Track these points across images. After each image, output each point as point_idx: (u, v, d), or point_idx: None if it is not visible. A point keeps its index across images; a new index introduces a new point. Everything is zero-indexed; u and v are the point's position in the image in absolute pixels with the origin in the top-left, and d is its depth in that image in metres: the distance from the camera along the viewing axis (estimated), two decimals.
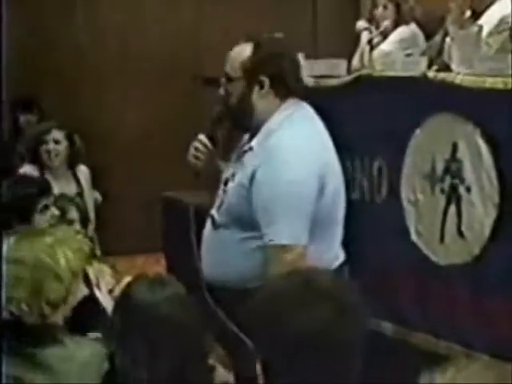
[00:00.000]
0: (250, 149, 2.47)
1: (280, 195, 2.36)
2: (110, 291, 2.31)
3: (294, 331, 1.47)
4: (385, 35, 4.28)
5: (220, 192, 2.57)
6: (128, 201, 6.12)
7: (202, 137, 2.65)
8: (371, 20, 4.55)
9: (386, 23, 4.30)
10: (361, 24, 4.47)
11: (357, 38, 4.40)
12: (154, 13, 6.30)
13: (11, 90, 5.71)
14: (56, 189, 3.91)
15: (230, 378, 3.39)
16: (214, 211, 2.57)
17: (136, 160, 6.24)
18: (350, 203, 3.25)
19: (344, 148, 3.29)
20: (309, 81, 3.41)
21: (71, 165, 4.48)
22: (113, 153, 6.17)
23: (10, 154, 5.14)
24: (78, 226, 4.10)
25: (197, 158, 2.66)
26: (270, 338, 1.50)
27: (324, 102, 3.33)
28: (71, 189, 4.37)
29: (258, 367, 1.55)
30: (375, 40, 4.24)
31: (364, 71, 3.31)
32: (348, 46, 4.46)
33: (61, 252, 2.04)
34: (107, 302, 2.25)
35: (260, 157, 2.42)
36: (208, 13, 6.34)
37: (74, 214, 4.18)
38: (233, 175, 2.51)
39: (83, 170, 4.58)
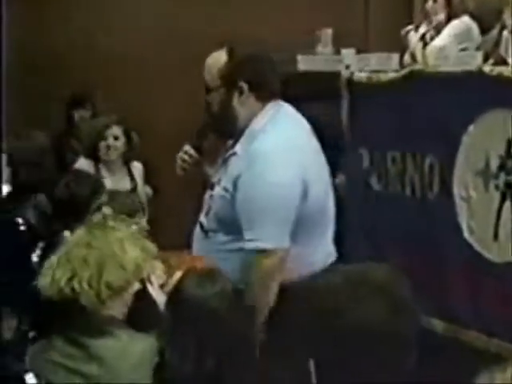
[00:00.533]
0: (234, 154, 2.45)
1: (262, 199, 2.34)
2: (162, 286, 2.33)
3: (347, 327, 1.46)
4: (438, 30, 4.21)
5: (207, 197, 2.58)
6: (177, 196, 6.16)
7: (187, 148, 2.67)
8: (425, 15, 4.49)
9: (439, 17, 4.24)
10: (404, 30, 4.42)
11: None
12: (204, 10, 6.32)
13: (65, 87, 5.79)
14: (111, 184, 3.94)
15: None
16: (202, 217, 2.58)
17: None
18: (401, 199, 3.23)
19: (394, 144, 3.28)
20: (361, 76, 3.40)
21: (126, 160, 4.52)
22: (162, 148, 6.20)
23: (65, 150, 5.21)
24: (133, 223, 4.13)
25: (184, 169, 2.69)
26: (323, 334, 1.49)
27: (375, 97, 3.32)
28: (125, 184, 4.41)
29: (311, 365, 1.55)
30: (428, 35, 4.18)
31: (416, 67, 3.28)
32: (400, 40, 4.41)
33: (129, 246, 2.10)
34: (159, 297, 2.28)
35: (244, 161, 2.40)
36: (260, 9, 6.33)
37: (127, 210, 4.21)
38: (219, 180, 2.49)
39: (137, 166, 4.62)
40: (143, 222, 4.41)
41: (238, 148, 2.44)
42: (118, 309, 2.08)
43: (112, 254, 2.07)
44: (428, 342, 1.86)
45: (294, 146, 2.40)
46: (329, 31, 3.48)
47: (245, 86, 2.41)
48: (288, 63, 3.98)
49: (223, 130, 2.53)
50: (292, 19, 5.96)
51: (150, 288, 2.27)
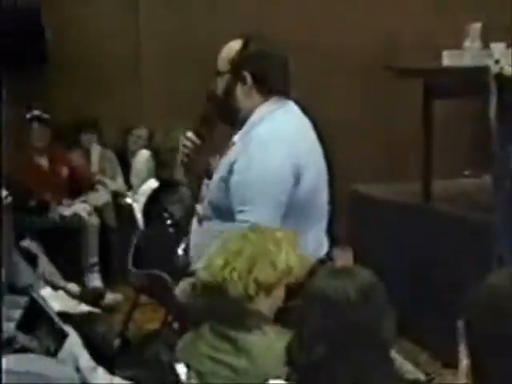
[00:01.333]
0: (233, 144, 2.54)
1: (255, 182, 2.41)
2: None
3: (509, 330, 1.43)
4: None
5: (204, 187, 2.66)
6: None
7: (189, 134, 2.70)
8: None
9: None
10: None
11: None
12: (345, 4, 6.29)
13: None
14: None
15: (419, 374, 3.32)
16: (198, 205, 2.66)
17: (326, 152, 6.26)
18: None
19: None
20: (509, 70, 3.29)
21: None
22: None
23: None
24: None
25: (187, 155, 2.71)
26: (486, 336, 1.46)
27: None
28: None
29: (464, 365, 1.51)
30: None
31: None
32: None
33: (285, 247, 2.14)
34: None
35: (239, 149, 2.49)
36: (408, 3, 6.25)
37: None
38: (217, 170, 2.58)
39: None
40: None
41: (236, 138, 2.54)
42: (266, 306, 2.12)
43: (265, 252, 2.10)
44: None
45: (288, 137, 2.48)
46: (477, 26, 3.37)
47: (248, 77, 2.51)
48: (433, 59, 3.92)
49: (224, 116, 2.62)
50: (442, 15, 5.85)
51: None
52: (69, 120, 5.71)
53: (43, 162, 5.53)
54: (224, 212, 2.49)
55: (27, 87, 5.69)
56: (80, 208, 5.37)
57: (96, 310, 4.11)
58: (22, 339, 2.91)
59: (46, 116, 5.46)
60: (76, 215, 5.29)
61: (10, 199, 3.28)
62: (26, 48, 5.64)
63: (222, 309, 2.11)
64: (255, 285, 2.07)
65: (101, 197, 5.61)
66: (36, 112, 5.46)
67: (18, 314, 3.00)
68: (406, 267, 4.11)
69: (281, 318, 2.18)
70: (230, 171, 2.47)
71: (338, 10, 6.20)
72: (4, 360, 2.80)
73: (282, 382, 1.87)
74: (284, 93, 2.57)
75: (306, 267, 2.15)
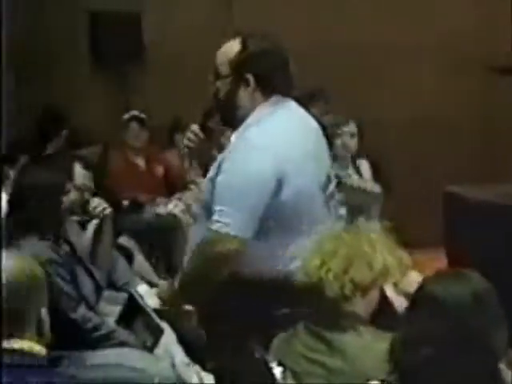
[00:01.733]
0: (230, 143, 2.53)
1: (233, 184, 2.39)
2: (394, 285, 2.32)
3: None
4: None
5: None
6: (406, 194, 6.08)
7: (194, 127, 2.68)
8: None
9: None
10: None
11: None
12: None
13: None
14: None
15: None
16: (193, 204, 2.71)
17: (417, 151, 6.18)
18: None
19: None
20: None
21: (354, 158, 4.52)
22: (393, 143, 6.15)
23: None
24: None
25: (189, 147, 2.69)
26: None
27: None
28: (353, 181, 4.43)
29: None
30: None
31: None
32: None
33: (380, 248, 2.12)
34: (395, 298, 2.27)
35: (230, 149, 2.47)
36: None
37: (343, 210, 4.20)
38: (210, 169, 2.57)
39: (364, 163, 4.62)
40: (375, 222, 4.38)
41: (232, 138, 2.51)
42: (362, 307, 2.11)
43: (361, 253, 2.10)
44: None
45: (279, 141, 2.42)
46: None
47: (251, 79, 2.46)
48: None
49: (226, 118, 2.58)
50: None
51: (387, 290, 2.27)
52: (164, 120, 5.83)
53: (139, 161, 5.65)
54: (212, 212, 2.47)
55: (125, 88, 5.84)
56: (175, 207, 5.47)
57: (189, 308, 4.17)
58: (121, 334, 2.98)
59: (143, 116, 5.59)
60: (171, 214, 5.38)
61: (108, 211, 3.34)
62: (124, 49, 5.80)
63: (318, 309, 2.11)
64: (352, 285, 2.07)
65: (194, 196, 5.69)
66: (134, 112, 5.60)
67: (117, 309, 3.07)
68: (502, 270, 4.01)
69: (375, 319, 2.16)
70: (218, 171, 2.46)
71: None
72: (100, 353, 2.88)
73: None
74: (286, 92, 2.52)
75: (405, 269, 2.13)
